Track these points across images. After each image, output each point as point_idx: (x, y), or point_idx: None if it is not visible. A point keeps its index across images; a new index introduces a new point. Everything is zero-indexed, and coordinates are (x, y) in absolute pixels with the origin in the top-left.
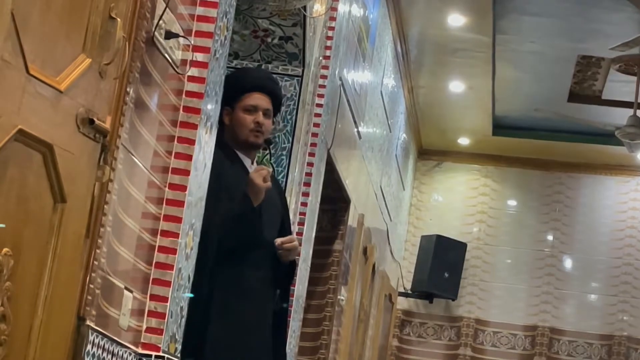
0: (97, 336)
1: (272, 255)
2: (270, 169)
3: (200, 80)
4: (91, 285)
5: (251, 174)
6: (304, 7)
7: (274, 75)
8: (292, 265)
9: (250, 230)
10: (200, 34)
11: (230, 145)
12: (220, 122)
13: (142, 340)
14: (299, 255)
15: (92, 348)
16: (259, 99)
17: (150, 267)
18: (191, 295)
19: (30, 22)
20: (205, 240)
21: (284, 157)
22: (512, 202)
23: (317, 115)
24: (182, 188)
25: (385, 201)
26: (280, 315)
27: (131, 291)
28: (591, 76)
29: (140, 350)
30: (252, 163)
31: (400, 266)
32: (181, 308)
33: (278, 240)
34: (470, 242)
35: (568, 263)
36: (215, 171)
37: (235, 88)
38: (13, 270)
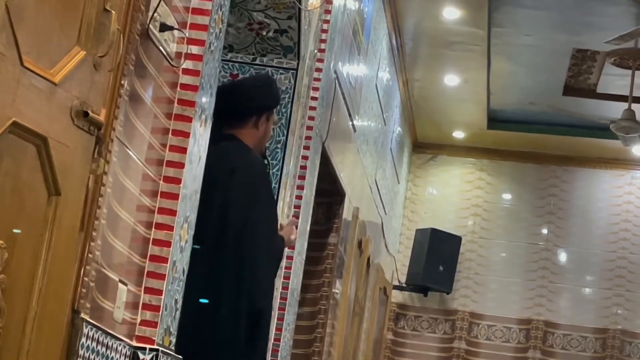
0: (91, 329)
1: None
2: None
3: (195, 73)
4: (85, 278)
5: (294, 238)
6: (299, 0)
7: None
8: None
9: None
10: (195, 26)
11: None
12: (230, 118)
13: (136, 333)
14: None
15: (86, 341)
16: None
17: (144, 259)
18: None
19: (25, 14)
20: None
21: (278, 150)
22: (507, 196)
23: (312, 108)
24: (177, 181)
25: (380, 194)
26: None
27: (126, 284)
28: (586, 70)
29: (134, 343)
30: None
31: (395, 259)
32: (176, 301)
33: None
34: (465, 236)
35: (563, 256)
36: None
37: (278, 99)
38: (7, 263)
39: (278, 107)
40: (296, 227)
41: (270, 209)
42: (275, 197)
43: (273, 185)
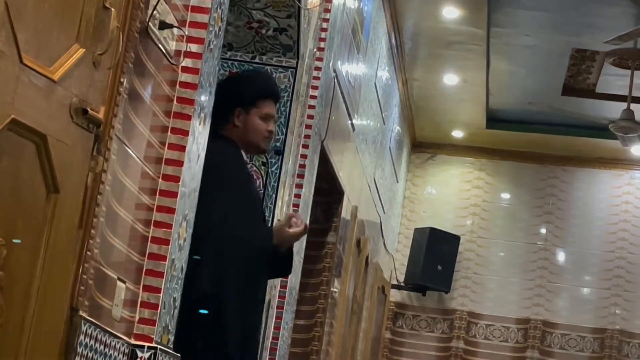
0: (89, 327)
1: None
2: (305, 226)
3: (194, 71)
4: (84, 276)
5: (290, 234)
6: None
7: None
8: (291, 252)
9: (265, 264)
10: (194, 24)
11: (236, 144)
12: (218, 117)
13: (134, 331)
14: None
15: (84, 338)
16: (273, 108)
17: (143, 258)
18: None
19: (24, 12)
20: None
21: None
22: (506, 196)
23: (311, 107)
24: (176, 179)
25: (378, 193)
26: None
27: (124, 282)
28: (585, 70)
29: (132, 341)
30: (250, 161)
31: (394, 259)
32: (174, 299)
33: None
34: (464, 235)
35: (561, 256)
36: (241, 170)
37: (252, 92)
38: (6, 261)
39: (270, 99)
40: (297, 219)
41: (225, 197)
42: (274, 195)
43: (272, 184)
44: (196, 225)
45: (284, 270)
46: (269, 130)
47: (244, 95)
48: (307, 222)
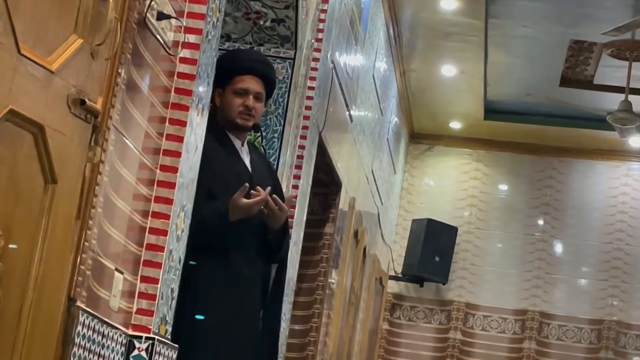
0: (87, 317)
1: (259, 238)
2: (265, 194)
3: (192, 62)
4: (82, 267)
5: (244, 203)
6: None
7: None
8: (285, 232)
9: (220, 239)
10: (192, 15)
11: (221, 127)
12: (213, 103)
13: (132, 322)
14: (290, 229)
15: (82, 329)
16: (250, 82)
17: (141, 248)
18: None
19: (22, 2)
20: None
21: (275, 140)
22: (503, 187)
23: (309, 98)
24: (174, 170)
25: (376, 185)
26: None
27: (122, 273)
28: (583, 61)
29: (130, 332)
30: (242, 145)
31: (391, 250)
32: (172, 290)
33: (274, 196)
34: (461, 226)
35: (559, 248)
36: (205, 152)
37: (227, 69)
38: (3, 251)
39: (242, 74)
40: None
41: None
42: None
43: None
44: None
45: (274, 254)
46: (244, 105)
47: (219, 74)
48: (305, 214)
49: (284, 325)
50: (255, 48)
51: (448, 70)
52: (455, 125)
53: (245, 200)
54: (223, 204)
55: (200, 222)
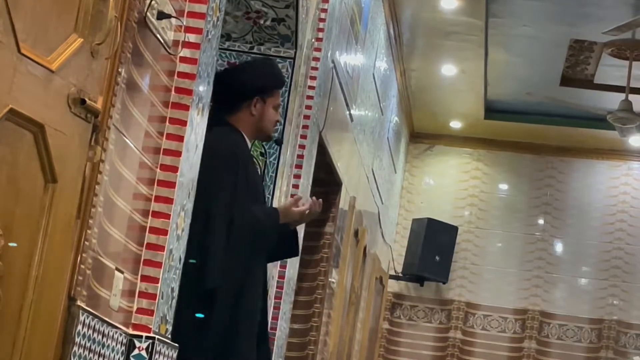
0: (87, 316)
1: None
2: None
3: (192, 61)
4: (82, 266)
5: (298, 212)
6: None
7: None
8: (296, 234)
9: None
10: (192, 14)
11: (240, 131)
12: (213, 102)
13: (132, 321)
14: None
15: (82, 328)
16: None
17: (141, 248)
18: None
19: (22, 1)
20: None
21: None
22: (504, 186)
23: (309, 97)
24: (174, 169)
25: (376, 184)
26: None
27: (122, 272)
28: (583, 60)
29: (130, 331)
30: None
31: (392, 249)
32: (172, 289)
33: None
34: (462, 226)
35: (559, 247)
36: (244, 153)
37: (271, 81)
38: (4, 250)
39: (281, 89)
40: (299, 202)
41: (239, 190)
42: (272, 185)
43: (270, 174)
44: (205, 209)
45: (293, 249)
46: (277, 120)
47: (264, 85)
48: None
49: (284, 325)
50: (255, 47)
51: (448, 69)
52: (456, 124)
53: (297, 209)
54: (272, 208)
55: (257, 220)
